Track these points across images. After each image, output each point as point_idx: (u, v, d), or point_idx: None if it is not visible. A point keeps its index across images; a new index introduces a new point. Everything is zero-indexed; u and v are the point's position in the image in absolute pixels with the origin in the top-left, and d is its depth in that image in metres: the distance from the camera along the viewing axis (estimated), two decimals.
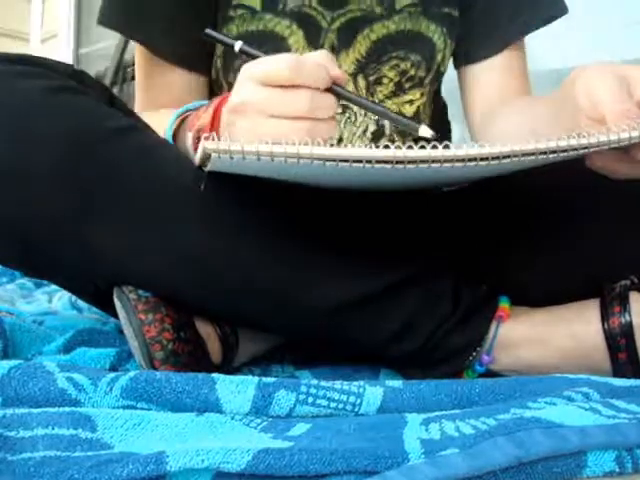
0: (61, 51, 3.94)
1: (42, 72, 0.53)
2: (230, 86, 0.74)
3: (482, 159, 0.42)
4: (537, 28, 0.76)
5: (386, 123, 0.75)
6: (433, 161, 0.42)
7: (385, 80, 0.74)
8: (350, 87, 0.73)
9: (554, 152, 0.42)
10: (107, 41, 3.65)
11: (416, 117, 0.76)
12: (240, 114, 0.49)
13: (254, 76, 0.48)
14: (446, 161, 0.42)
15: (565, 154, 0.43)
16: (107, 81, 3.02)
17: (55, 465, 0.34)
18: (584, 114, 0.47)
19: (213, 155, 0.42)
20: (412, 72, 0.74)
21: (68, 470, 0.33)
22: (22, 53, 0.56)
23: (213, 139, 0.43)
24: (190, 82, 0.75)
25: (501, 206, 0.60)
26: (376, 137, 0.75)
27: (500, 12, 0.75)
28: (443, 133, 0.84)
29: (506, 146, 0.42)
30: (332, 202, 0.55)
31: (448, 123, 0.86)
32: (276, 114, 0.47)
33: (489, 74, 0.77)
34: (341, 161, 0.42)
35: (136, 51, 0.75)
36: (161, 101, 0.74)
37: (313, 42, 0.72)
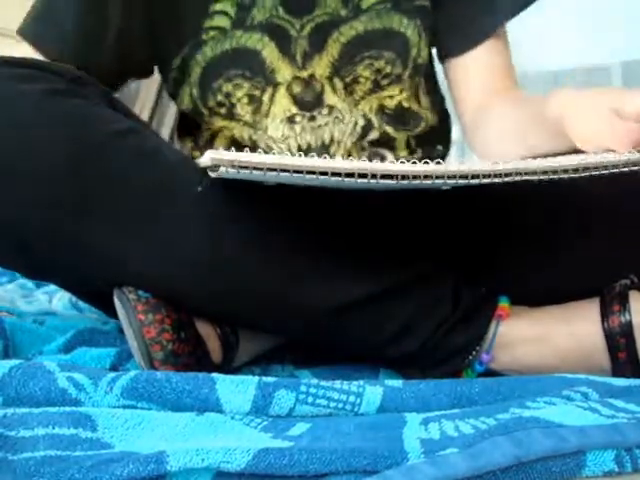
0: None
1: (42, 75, 0.53)
2: (210, 112, 0.75)
3: (484, 176, 0.42)
4: (513, 15, 0.76)
5: (373, 116, 0.76)
6: (437, 177, 0.42)
7: (361, 79, 0.74)
8: (329, 90, 0.74)
9: (557, 172, 0.43)
10: None
11: (407, 109, 0.77)
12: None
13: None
14: (449, 177, 0.42)
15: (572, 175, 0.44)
16: None
17: (56, 464, 0.34)
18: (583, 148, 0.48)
19: (221, 169, 0.42)
20: (387, 69, 0.75)
21: (69, 469, 0.33)
22: (21, 56, 0.56)
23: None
24: None
25: (501, 206, 0.60)
26: (366, 131, 0.75)
27: (474, 2, 0.76)
28: (445, 126, 0.84)
29: (509, 164, 0.43)
30: (332, 203, 0.55)
31: (448, 115, 0.86)
32: None
33: (472, 68, 0.77)
34: (347, 175, 0.42)
35: None
36: None
37: (285, 51, 0.73)
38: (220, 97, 0.74)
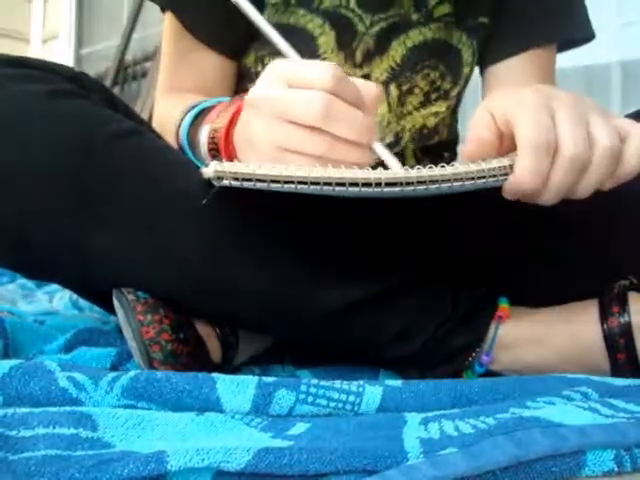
0: (62, 52, 3.94)
1: (41, 75, 0.53)
2: (251, 79, 0.73)
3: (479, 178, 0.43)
4: (567, 46, 0.75)
5: (406, 135, 0.74)
6: (443, 181, 0.42)
7: (416, 90, 0.72)
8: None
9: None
10: (108, 41, 3.65)
11: (436, 129, 0.76)
12: (255, 110, 0.47)
13: (283, 75, 0.46)
14: (456, 180, 0.42)
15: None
16: (108, 81, 3.02)
17: (56, 464, 0.34)
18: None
19: (224, 181, 0.42)
20: (439, 83, 0.72)
21: (69, 469, 0.33)
22: (21, 56, 0.56)
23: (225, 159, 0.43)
24: (222, 68, 0.72)
25: (500, 207, 0.60)
26: (390, 147, 0.73)
27: (528, 17, 0.74)
28: (453, 139, 0.83)
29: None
30: (332, 205, 0.55)
31: (457, 131, 0.86)
32: (292, 120, 0.45)
33: (503, 77, 0.76)
34: (351, 185, 0.42)
35: (165, 29, 0.73)
36: (187, 85, 0.72)
37: (345, 45, 0.70)
38: (260, 69, 0.71)
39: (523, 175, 0.43)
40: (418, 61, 0.71)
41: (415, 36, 0.71)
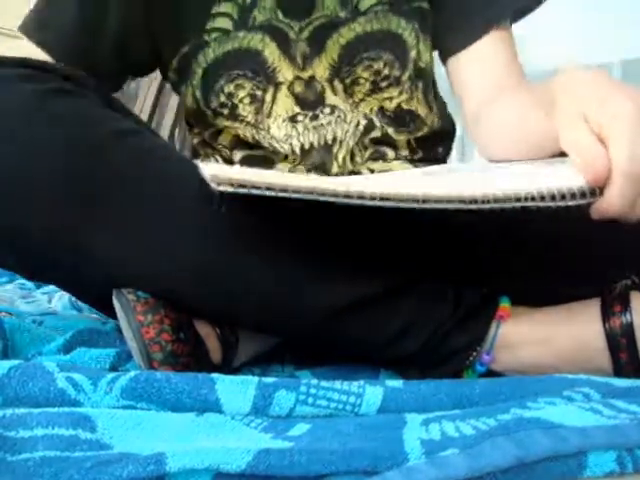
0: None
1: (38, 75, 0.53)
2: (214, 112, 0.75)
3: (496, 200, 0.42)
4: (515, 17, 0.75)
5: (374, 117, 0.76)
6: (448, 201, 0.42)
7: (361, 81, 0.74)
8: (329, 91, 0.74)
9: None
10: None
11: (410, 111, 0.77)
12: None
13: None
14: (461, 202, 0.42)
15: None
16: None
17: (55, 465, 0.34)
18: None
19: (220, 186, 0.42)
20: (386, 71, 0.74)
21: (68, 470, 0.33)
22: (21, 56, 0.56)
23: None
24: None
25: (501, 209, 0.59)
26: (367, 131, 0.75)
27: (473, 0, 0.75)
28: (448, 131, 0.84)
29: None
30: (332, 204, 0.55)
31: (453, 122, 0.86)
32: None
33: (473, 63, 0.76)
34: (359, 198, 0.42)
35: None
36: None
37: (286, 52, 0.73)
38: (223, 98, 0.74)
39: (614, 204, 0.44)
40: (355, 55, 0.74)
41: (346, 33, 0.73)
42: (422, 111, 0.78)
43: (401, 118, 0.77)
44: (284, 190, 0.42)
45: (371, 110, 0.76)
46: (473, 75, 0.76)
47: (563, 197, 0.41)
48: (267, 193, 0.42)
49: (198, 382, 0.44)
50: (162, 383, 0.43)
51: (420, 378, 0.50)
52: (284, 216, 0.53)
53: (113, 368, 0.55)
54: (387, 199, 0.42)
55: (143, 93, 2.63)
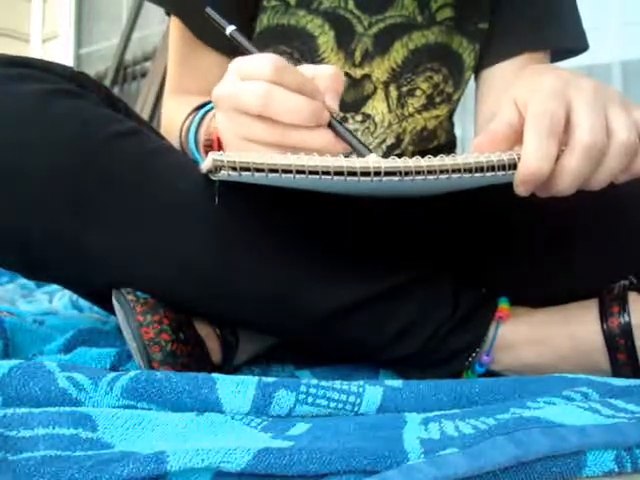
0: (62, 51, 3.94)
1: (40, 75, 0.53)
2: None
3: (477, 170, 0.42)
4: (562, 55, 0.75)
5: (407, 136, 0.74)
6: (441, 171, 0.42)
7: (418, 92, 0.72)
8: (380, 96, 0.72)
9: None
10: (108, 41, 3.66)
11: (435, 132, 0.76)
12: (218, 106, 0.49)
13: (236, 71, 0.48)
14: (454, 171, 0.42)
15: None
16: (108, 81, 3.02)
17: (56, 465, 0.34)
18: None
19: (223, 172, 0.42)
20: (442, 86, 0.73)
21: (69, 470, 0.33)
22: (19, 55, 0.56)
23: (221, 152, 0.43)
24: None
25: (501, 208, 0.60)
26: (391, 149, 0.74)
27: (522, 23, 0.75)
28: (450, 144, 0.83)
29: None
30: (331, 206, 0.55)
31: (455, 138, 0.86)
32: (243, 110, 0.47)
33: (503, 77, 0.75)
34: (349, 174, 0.42)
35: (171, 33, 0.73)
36: (194, 87, 0.73)
37: (344, 45, 0.70)
38: None
39: (529, 160, 0.42)
40: (420, 63, 0.72)
41: (417, 38, 0.71)
42: (439, 129, 0.78)
43: (426, 138, 0.76)
44: (287, 171, 0.42)
45: (413, 129, 0.73)
46: (491, 90, 0.76)
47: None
48: (270, 176, 0.42)
49: (198, 382, 0.44)
50: (162, 383, 0.43)
51: (420, 378, 0.50)
52: (284, 216, 0.54)
53: (113, 368, 0.55)
54: (392, 173, 0.41)
55: (143, 93, 2.63)
